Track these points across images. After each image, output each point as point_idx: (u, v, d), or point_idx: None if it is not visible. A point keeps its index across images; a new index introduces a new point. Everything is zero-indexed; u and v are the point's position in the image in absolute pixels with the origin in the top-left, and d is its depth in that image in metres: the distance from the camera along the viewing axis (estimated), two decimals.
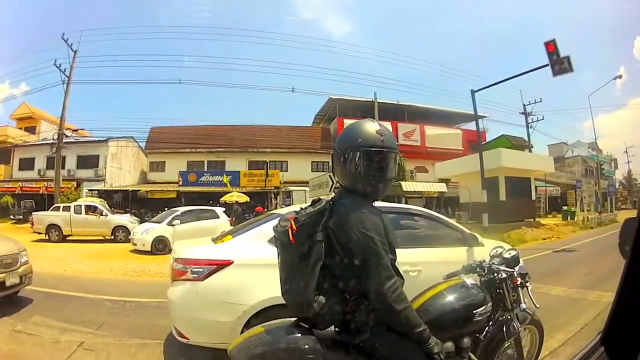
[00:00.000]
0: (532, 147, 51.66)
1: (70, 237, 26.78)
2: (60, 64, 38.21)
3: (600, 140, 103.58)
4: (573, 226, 36.18)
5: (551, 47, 23.23)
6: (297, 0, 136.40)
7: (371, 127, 3.02)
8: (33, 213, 29.71)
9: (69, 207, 28.54)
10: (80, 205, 28.43)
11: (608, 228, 34.25)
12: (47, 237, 26.44)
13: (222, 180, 48.22)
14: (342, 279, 2.76)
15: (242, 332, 5.02)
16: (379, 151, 2.88)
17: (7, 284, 8.79)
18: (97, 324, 8.06)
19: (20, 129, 54.08)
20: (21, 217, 42.48)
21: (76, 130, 45.76)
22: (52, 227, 26.81)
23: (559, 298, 10.09)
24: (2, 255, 8.92)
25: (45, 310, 9.11)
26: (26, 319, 8.38)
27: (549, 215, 50.56)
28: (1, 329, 7.71)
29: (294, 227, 2.64)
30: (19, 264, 9.28)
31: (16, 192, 47.61)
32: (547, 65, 23.61)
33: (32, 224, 28.01)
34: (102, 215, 27.57)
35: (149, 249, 20.72)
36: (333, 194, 2.97)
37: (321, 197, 2.96)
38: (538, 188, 49.70)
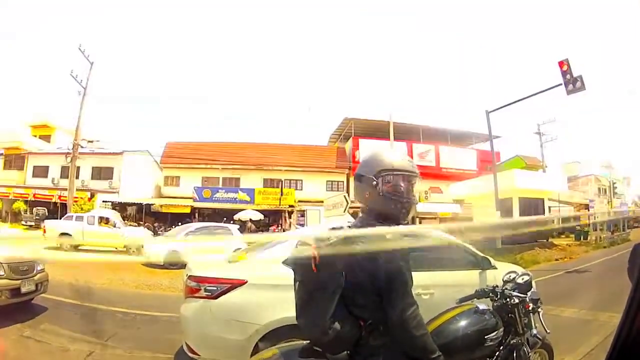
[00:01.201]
0: (547, 166, 51.49)
1: (82, 247, 26.65)
2: (77, 75, 38.45)
3: (613, 157, 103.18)
4: (586, 246, 35.77)
5: (564, 66, 23.12)
6: (310, 14, 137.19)
7: (398, 152, 3.04)
8: (46, 221, 29.82)
9: (82, 216, 28.57)
10: (94, 216, 28.43)
11: (620, 247, 33.51)
12: (58, 246, 26.36)
13: (237, 197, 48.17)
14: (358, 305, 2.75)
15: (253, 350, 5.10)
16: (410, 175, 2.92)
17: (23, 290, 8.88)
18: (107, 335, 8.06)
19: (35, 136, 54.53)
20: (33, 223, 42.68)
21: (92, 142, 45.98)
22: (64, 235, 26.68)
23: (570, 320, 10.03)
24: (18, 262, 8.96)
25: (55, 318, 9.14)
26: (36, 325, 8.42)
27: (562, 236, 50.22)
28: (9, 334, 7.74)
29: (317, 257, 2.59)
30: (35, 272, 9.33)
31: (29, 199, 47.74)
32: (560, 84, 23.53)
33: (45, 231, 28.02)
34: (115, 226, 27.53)
35: (162, 263, 20.65)
36: (349, 216, 2.97)
37: (342, 225, 2.96)
38: (551, 208, 49.58)
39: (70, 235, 26.66)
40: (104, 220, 28.02)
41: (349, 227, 2.90)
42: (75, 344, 7.28)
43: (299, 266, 2.73)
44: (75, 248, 26.51)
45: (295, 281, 2.83)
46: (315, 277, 2.63)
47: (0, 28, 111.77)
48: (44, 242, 26.99)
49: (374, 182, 2.84)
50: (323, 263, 2.58)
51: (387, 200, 2.85)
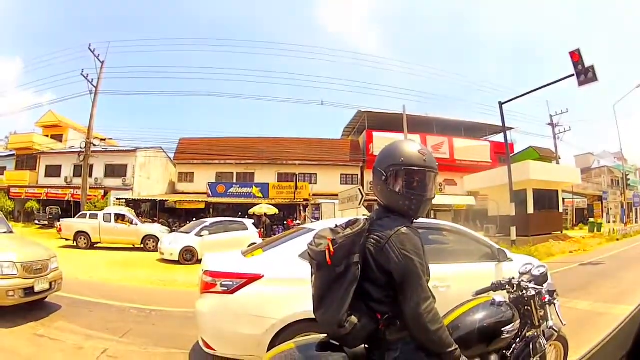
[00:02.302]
0: (560, 158, 51.29)
1: (98, 245, 27.06)
2: (87, 74, 38.60)
3: (626, 149, 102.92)
4: (599, 238, 35.44)
5: (576, 57, 22.90)
6: (327, 14, 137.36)
7: (413, 146, 2.97)
8: (61, 219, 30.04)
9: (96, 214, 28.81)
10: (110, 214, 28.66)
11: (633, 240, 34.35)
12: (75, 244, 26.67)
13: (251, 192, 48.41)
14: (375, 299, 2.75)
15: (269, 345, 5.09)
16: (421, 170, 2.87)
17: (36, 289, 8.89)
18: (122, 331, 8.06)
19: (47, 136, 54.98)
20: (46, 222, 43.17)
21: (104, 140, 46.22)
22: (80, 234, 27.04)
23: (584, 312, 9.99)
24: (32, 261, 9.01)
25: (70, 315, 9.18)
26: (50, 324, 8.45)
27: (576, 228, 49.96)
28: (22, 332, 7.77)
29: (332, 249, 2.61)
30: (49, 270, 9.37)
31: (41, 198, 48.29)
32: (572, 75, 23.33)
33: (60, 230, 28.32)
34: (132, 224, 27.83)
35: (177, 259, 20.84)
36: (364, 209, 2.93)
37: (358, 217, 2.93)
38: (565, 200, 49.35)
39: (87, 233, 26.95)
40: (120, 218, 28.28)
41: (365, 220, 2.86)
42: (90, 341, 7.29)
43: (315, 259, 2.73)
44: (92, 246, 26.76)
45: (312, 274, 2.84)
46: (330, 270, 2.63)
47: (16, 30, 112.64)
48: (60, 241, 27.49)
49: (383, 177, 2.85)
50: (338, 256, 2.60)
51: (396, 195, 2.86)
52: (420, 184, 2.88)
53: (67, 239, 27.50)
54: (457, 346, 2.72)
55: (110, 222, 27.70)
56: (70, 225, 28.06)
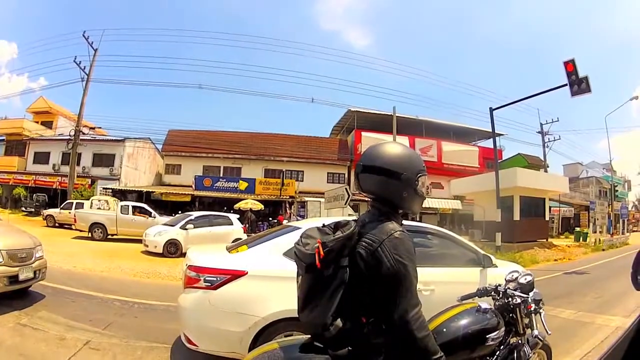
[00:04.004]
0: (548, 166, 51.64)
1: (115, 237, 27.08)
2: (80, 61, 38.62)
3: (615, 161, 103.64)
4: (585, 248, 35.97)
5: (570, 67, 22.96)
6: (319, 11, 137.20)
7: (414, 150, 3.02)
8: (75, 211, 29.93)
9: (82, 204, 29.74)
10: (128, 205, 28.87)
11: (619, 251, 34.51)
12: (90, 235, 26.72)
13: (237, 187, 48.51)
14: (361, 303, 2.72)
15: (251, 342, 5.14)
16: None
17: (21, 278, 8.83)
18: (104, 323, 8.04)
19: (37, 122, 54.87)
20: (33, 210, 43.06)
21: (93, 129, 46.10)
22: (96, 225, 27.13)
23: (567, 321, 10.07)
24: (17, 249, 8.97)
25: (53, 305, 9.13)
26: (33, 313, 8.41)
27: (562, 236, 50.38)
28: (6, 321, 7.73)
29: (322, 252, 2.56)
30: (33, 259, 9.32)
31: (29, 185, 48.05)
32: (565, 85, 23.38)
33: (75, 221, 28.38)
34: (150, 216, 27.99)
35: (161, 251, 20.82)
36: (349, 209, 2.91)
37: (348, 219, 2.90)
38: (552, 208, 49.63)
39: (103, 224, 27.06)
40: (138, 210, 28.51)
41: (355, 222, 2.83)
42: (72, 332, 7.24)
43: (303, 261, 2.67)
44: (106, 237, 26.80)
45: (297, 275, 2.82)
46: (318, 273, 2.60)
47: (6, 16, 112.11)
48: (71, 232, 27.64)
49: (416, 182, 2.84)
50: (327, 259, 2.57)
51: (421, 199, 2.92)
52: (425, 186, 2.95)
53: (81, 230, 27.62)
54: (442, 354, 2.71)
55: (127, 214, 27.83)
56: (86, 216, 28.08)
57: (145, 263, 17.73)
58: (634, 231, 66.43)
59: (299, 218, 39.00)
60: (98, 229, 26.88)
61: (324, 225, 2.82)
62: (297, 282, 2.81)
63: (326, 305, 2.59)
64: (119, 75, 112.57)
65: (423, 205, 3.05)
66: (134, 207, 28.85)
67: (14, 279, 8.66)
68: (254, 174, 52.39)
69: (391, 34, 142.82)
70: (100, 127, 48.25)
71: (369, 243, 2.65)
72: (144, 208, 28.88)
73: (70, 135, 39.81)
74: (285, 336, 4.76)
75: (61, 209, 34.28)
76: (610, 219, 50.86)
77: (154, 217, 27.79)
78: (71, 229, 30.49)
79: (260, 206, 42.01)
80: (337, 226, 2.79)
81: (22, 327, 7.45)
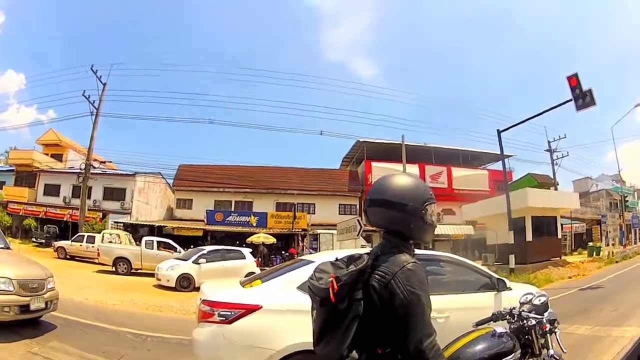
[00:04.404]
0: (558, 184, 51.48)
1: (139, 271, 27.07)
2: (89, 95, 39.13)
3: (623, 170, 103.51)
4: (598, 262, 35.65)
5: (574, 81, 23.05)
6: (325, 43, 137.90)
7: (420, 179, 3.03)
8: (99, 244, 30.03)
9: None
10: (152, 241, 29.32)
11: (632, 261, 34.51)
12: (114, 269, 26.90)
13: (249, 221, 48.72)
14: (376, 334, 2.69)
15: None
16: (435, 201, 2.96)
17: (32, 307, 8.88)
18: (117, 355, 8.05)
19: (47, 154, 55.25)
20: (43, 241, 42.97)
21: (104, 162, 46.46)
22: (120, 259, 27.30)
23: (584, 337, 10.04)
24: (29, 279, 9.02)
25: (64, 336, 9.14)
26: (44, 343, 8.41)
27: (575, 253, 50.09)
28: (17, 349, 7.75)
29: (336, 286, 2.54)
30: (45, 290, 9.35)
31: (40, 216, 48.04)
32: (570, 100, 23.51)
33: (98, 255, 28.53)
34: (176, 251, 28.12)
35: (173, 285, 20.88)
36: (362, 240, 2.87)
37: (361, 252, 2.88)
38: (564, 225, 49.38)
39: (128, 259, 27.25)
40: (162, 245, 28.87)
41: (367, 255, 2.81)
42: None
43: (318, 295, 2.67)
44: (130, 272, 26.86)
45: (312, 309, 2.80)
46: (333, 307, 2.58)
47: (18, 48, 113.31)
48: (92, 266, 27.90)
49: (422, 212, 2.81)
50: (342, 293, 2.56)
51: (431, 228, 2.87)
52: (435, 214, 2.95)
53: (103, 264, 27.82)
54: None
55: (152, 249, 28.09)
56: (110, 250, 28.27)
57: (158, 297, 17.78)
58: None
59: (311, 251, 39.13)
60: (122, 264, 27.02)
61: (337, 260, 2.79)
62: (312, 315, 2.79)
63: (341, 338, 2.58)
64: (128, 109, 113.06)
65: (435, 233, 3.04)
66: (158, 242, 29.20)
67: (25, 308, 8.71)
68: (265, 207, 52.62)
69: (396, 62, 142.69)
70: (110, 161, 48.61)
71: (382, 276, 2.65)
72: (168, 243, 29.31)
73: (80, 169, 40.13)
74: None
75: (72, 241, 34.22)
76: (622, 230, 50.58)
77: (179, 252, 27.64)
78: (82, 261, 30.94)
79: (272, 240, 42.10)
80: (350, 260, 2.77)
81: (33, 356, 7.49)
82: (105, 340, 9.23)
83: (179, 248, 28.66)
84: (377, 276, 2.66)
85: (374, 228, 2.98)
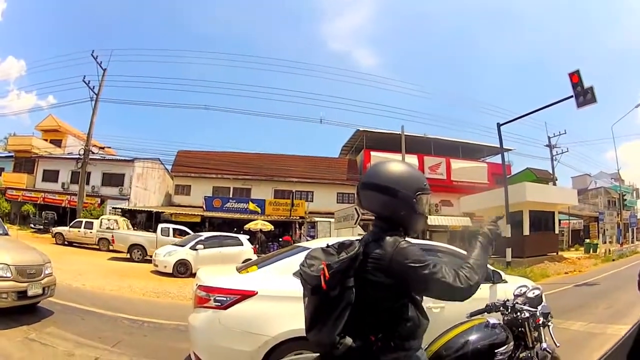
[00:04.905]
0: (557, 179, 51.48)
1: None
2: (89, 81, 39.28)
3: (623, 170, 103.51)
4: (595, 259, 36.10)
5: (575, 78, 23.13)
6: (327, 32, 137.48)
7: (417, 169, 3.04)
8: (113, 231, 30.31)
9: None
10: (169, 228, 29.74)
11: (629, 260, 34.54)
12: (129, 256, 27.20)
13: (247, 208, 48.71)
14: (369, 321, 2.72)
15: None
16: (429, 192, 2.96)
17: (29, 293, 8.91)
18: (113, 341, 8.06)
19: (46, 140, 55.19)
20: (42, 227, 43.02)
21: (102, 148, 46.34)
22: (135, 246, 27.61)
23: (579, 333, 10.06)
24: (26, 265, 9.05)
25: (62, 322, 9.17)
26: (41, 329, 8.44)
27: (572, 249, 50.36)
28: (14, 335, 7.77)
29: (327, 274, 2.53)
30: (42, 275, 9.39)
31: (38, 202, 48.21)
32: (571, 97, 23.56)
33: (113, 242, 28.68)
34: None
35: (171, 271, 20.92)
36: (359, 228, 2.87)
37: (352, 239, 2.88)
38: (561, 221, 49.45)
39: (143, 246, 27.51)
40: (178, 232, 29.20)
41: (358, 242, 2.81)
42: (81, 349, 7.27)
43: (309, 283, 2.66)
44: (144, 259, 26.93)
45: (304, 296, 2.78)
46: (324, 294, 2.58)
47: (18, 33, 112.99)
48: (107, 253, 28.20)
49: (414, 201, 2.83)
50: (333, 281, 2.55)
51: (422, 218, 2.90)
52: (427, 205, 2.96)
53: (118, 251, 27.93)
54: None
55: (168, 236, 28.36)
56: (125, 237, 28.68)
57: (155, 283, 17.83)
58: None
59: (308, 238, 39.20)
60: (137, 250, 27.29)
61: (328, 246, 2.80)
62: (304, 302, 2.78)
63: (333, 326, 2.58)
64: (128, 95, 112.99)
65: (433, 224, 3.04)
66: (174, 229, 29.51)
67: (22, 294, 8.74)
68: (263, 194, 52.75)
69: (398, 52, 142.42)
70: (109, 147, 48.58)
71: (377, 261, 2.67)
72: (184, 230, 29.45)
73: (79, 154, 40.17)
74: (296, 354, 4.76)
75: (70, 227, 34.23)
76: (619, 228, 50.63)
77: None
78: (80, 247, 31.19)
79: (270, 227, 42.10)
80: (341, 247, 2.76)
81: (30, 342, 7.49)
82: (102, 326, 9.25)
83: (192, 235, 28.40)
84: (370, 262, 2.68)
85: (371, 215, 2.98)
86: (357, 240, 2.86)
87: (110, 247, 28.78)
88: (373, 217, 2.99)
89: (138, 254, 27.02)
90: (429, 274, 2.57)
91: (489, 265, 7.13)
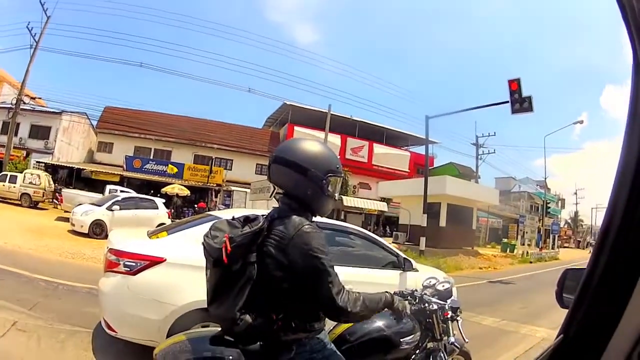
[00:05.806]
0: (480, 177, 52.41)
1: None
2: (32, 28, 37.83)
3: (551, 179, 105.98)
4: (512, 259, 37.24)
5: (514, 85, 23.47)
6: (268, 1, 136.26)
7: (334, 153, 3.04)
8: (63, 190, 30.68)
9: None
10: (116, 190, 30.24)
11: (547, 264, 35.43)
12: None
13: (166, 170, 48.31)
14: (271, 299, 2.71)
15: (168, 331, 5.11)
16: (342, 176, 2.99)
17: None
18: (30, 304, 7.94)
19: None
20: None
21: (34, 98, 44.88)
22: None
23: (490, 329, 10.33)
24: None
25: None
26: None
27: (488, 246, 51.61)
28: None
29: (229, 247, 2.56)
30: None
31: None
32: (507, 102, 23.90)
33: (61, 201, 28.98)
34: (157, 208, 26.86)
35: (87, 232, 20.62)
36: (275, 202, 2.93)
37: (257, 214, 2.89)
38: (480, 218, 50.45)
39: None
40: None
41: (264, 217, 2.83)
42: (1, 312, 7.14)
43: (211, 255, 2.68)
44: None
45: (206, 268, 2.80)
46: (226, 268, 2.61)
47: None
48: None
49: (323, 182, 2.81)
50: (235, 255, 2.59)
51: (329, 200, 2.89)
52: (338, 188, 2.96)
53: (66, 211, 27.00)
54: (384, 294, 3.07)
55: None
56: (73, 196, 28.80)
57: (71, 242, 17.59)
58: (564, 247, 69.52)
59: (222, 207, 39.96)
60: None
61: (233, 218, 2.81)
62: (206, 275, 2.80)
63: (233, 301, 2.61)
64: (65, 45, 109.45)
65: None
66: (121, 191, 29.26)
67: None
68: (183, 158, 52.34)
69: (338, 33, 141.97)
70: (40, 98, 47.04)
71: (279, 239, 2.68)
72: (153, 200, 28.52)
73: (11, 104, 38.70)
74: (203, 327, 4.80)
75: None
76: (540, 233, 51.93)
77: (159, 209, 25.41)
78: (3, 202, 30.23)
79: (186, 192, 42.26)
80: (246, 220, 2.79)
81: None
82: (20, 288, 9.07)
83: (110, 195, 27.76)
84: (273, 240, 2.70)
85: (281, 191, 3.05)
86: (262, 215, 2.88)
87: (37, 205, 28.25)
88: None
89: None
90: (320, 267, 2.59)
91: (400, 252, 7.33)
